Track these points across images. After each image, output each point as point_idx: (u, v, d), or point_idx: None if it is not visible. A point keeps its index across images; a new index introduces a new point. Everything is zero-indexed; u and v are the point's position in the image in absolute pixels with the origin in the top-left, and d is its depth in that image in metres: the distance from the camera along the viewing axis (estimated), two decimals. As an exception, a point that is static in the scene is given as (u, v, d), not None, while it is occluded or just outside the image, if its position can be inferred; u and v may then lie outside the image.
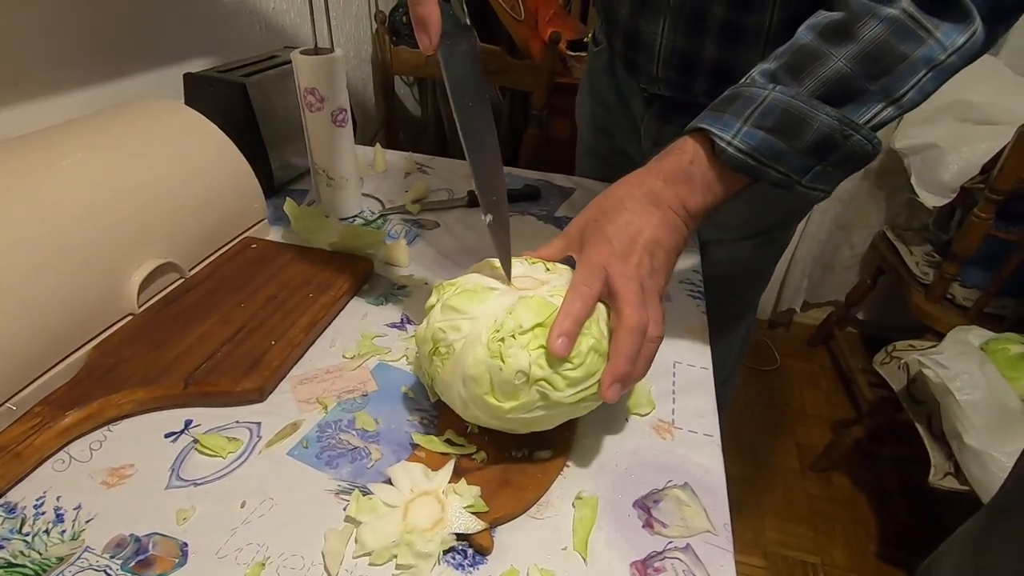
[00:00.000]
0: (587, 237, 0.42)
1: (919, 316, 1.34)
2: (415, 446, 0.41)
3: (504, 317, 0.37)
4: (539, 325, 0.36)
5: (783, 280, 1.86)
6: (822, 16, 0.44)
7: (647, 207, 0.42)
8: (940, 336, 1.16)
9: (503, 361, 0.35)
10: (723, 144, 0.41)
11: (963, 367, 1.02)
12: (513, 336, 0.36)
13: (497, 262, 0.42)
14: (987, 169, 1.23)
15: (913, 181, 1.40)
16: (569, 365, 0.36)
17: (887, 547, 1.28)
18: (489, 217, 0.42)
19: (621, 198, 0.43)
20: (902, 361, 1.22)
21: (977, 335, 1.11)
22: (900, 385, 1.20)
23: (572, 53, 1.46)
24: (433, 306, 0.41)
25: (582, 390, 0.37)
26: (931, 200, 1.35)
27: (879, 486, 1.42)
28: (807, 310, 1.95)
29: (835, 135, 0.41)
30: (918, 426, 1.13)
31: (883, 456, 1.47)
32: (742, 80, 0.44)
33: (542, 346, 0.36)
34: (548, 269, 0.43)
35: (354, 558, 0.34)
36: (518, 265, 0.43)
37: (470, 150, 0.42)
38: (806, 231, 1.75)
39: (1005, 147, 1.11)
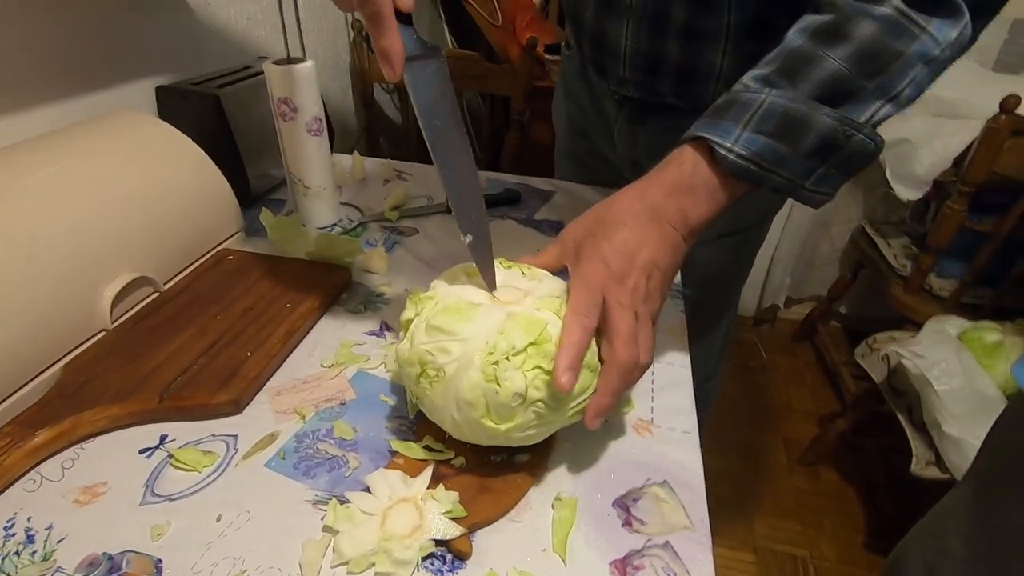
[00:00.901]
0: (583, 251, 0.41)
1: (898, 308, 1.36)
2: (394, 453, 0.41)
3: (496, 338, 0.36)
4: (532, 344, 0.36)
5: (766, 277, 1.88)
6: (811, 19, 0.44)
7: (645, 224, 0.41)
8: (919, 327, 1.17)
9: (499, 384, 0.35)
10: (723, 151, 0.41)
11: (940, 356, 1.03)
12: (507, 358, 0.35)
13: (471, 267, 0.42)
14: (959, 162, 1.25)
15: (888, 175, 1.42)
16: None
17: (875, 538, 1.30)
18: (469, 238, 0.41)
19: (621, 212, 0.42)
20: (882, 353, 1.23)
21: (954, 325, 1.13)
22: (881, 377, 1.22)
23: (550, 57, 1.47)
24: (411, 320, 0.40)
25: (576, 404, 0.37)
26: (906, 194, 1.38)
27: (866, 478, 1.43)
28: (791, 306, 1.97)
29: (837, 136, 0.41)
30: (899, 416, 1.14)
31: (868, 448, 1.49)
32: (734, 87, 0.44)
33: (538, 367, 0.35)
34: (524, 274, 0.43)
35: (332, 567, 0.34)
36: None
37: (443, 172, 0.41)
38: (787, 228, 1.77)
39: (975, 141, 1.14)
